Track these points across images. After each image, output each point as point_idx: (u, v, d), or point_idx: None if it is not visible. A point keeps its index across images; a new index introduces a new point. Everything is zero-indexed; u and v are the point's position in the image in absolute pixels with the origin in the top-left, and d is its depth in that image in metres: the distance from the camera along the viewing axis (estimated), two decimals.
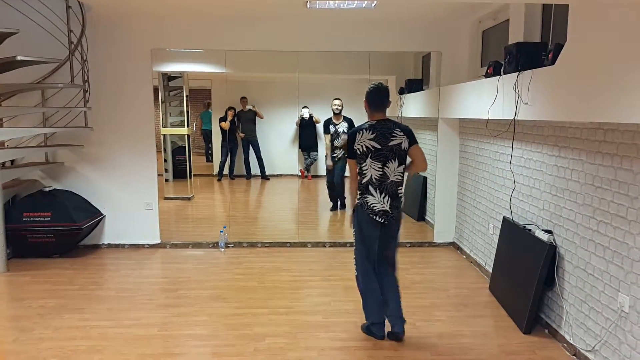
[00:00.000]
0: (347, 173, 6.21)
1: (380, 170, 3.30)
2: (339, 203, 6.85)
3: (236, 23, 5.25)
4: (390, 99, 3.41)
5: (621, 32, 2.41)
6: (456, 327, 3.60)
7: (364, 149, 3.30)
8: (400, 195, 3.36)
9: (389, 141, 3.30)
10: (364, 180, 3.35)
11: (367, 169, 3.32)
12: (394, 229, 3.42)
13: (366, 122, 3.41)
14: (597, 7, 2.63)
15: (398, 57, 6.31)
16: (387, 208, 3.31)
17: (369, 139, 3.30)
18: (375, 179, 3.31)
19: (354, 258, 3.49)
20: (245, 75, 7.42)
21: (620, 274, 2.75)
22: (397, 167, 3.32)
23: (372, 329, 3.44)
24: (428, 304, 4.00)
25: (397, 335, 3.37)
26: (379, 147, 3.29)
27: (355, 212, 3.43)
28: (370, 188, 3.32)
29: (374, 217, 3.32)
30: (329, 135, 6.63)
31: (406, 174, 3.43)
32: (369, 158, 3.30)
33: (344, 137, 6.37)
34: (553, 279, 3.40)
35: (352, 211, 3.49)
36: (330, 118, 6.61)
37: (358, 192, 3.40)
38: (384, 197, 3.31)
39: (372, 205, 3.32)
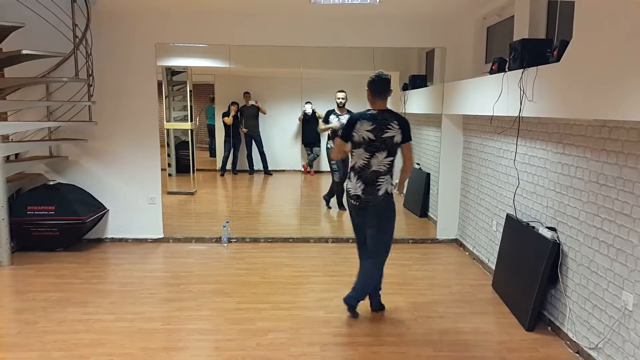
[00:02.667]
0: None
1: (367, 160, 3.49)
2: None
3: (240, 18, 5.24)
4: (391, 88, 3.56)
5: (627, 30, 2.40)
6: (458, 323, 3.60)
7: (360, 138, 3.48)
8: (378, 183, 3.50)
9: (383, 133, 3.45)
10: (350, 165, 3.59)
11: (355, 156, 3.54)
12: (372, 216, 3.57)
13: (368, 111, 3.54)
14: (603, 4, 2.61)
15: (402, 53, 6.29)
16: (360, 193, 3.53)
17: (367, 130, 3.46)
18: (358, 167, 3.54)
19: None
20: (248, 71, 7.40)
21: (625, 272, 2.75)
22: (385, 158, 3.49)
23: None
24: (430, 300, 4.00)
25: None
26: (373, 138, 3.45)
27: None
28: (351, 173, 3.61)
29: (350, 201, 3.65)
30: (339, 124, 6.51)
31: (396, 182, 3.63)
32: (361, 148, 3.49)
33: (336, 123, 6.29)
34: (556, 276, 3.40)
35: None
36: (334, 109, 6.55)
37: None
38: (357, 183, 3.54)
39: (348, 190, 3.64)
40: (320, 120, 6.65)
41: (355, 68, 6.52)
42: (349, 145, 3.56)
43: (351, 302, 3.62)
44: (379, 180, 3.49)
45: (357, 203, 3.58)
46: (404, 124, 3.48)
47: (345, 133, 3.54)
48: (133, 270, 4.68)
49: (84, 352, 3.12)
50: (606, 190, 2.92)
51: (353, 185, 3.57)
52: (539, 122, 3.70)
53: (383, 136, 3.44)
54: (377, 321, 3.62)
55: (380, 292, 3.80)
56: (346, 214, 6.64)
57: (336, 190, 6.64)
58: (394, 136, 3.44)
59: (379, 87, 3.53)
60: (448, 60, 5.37)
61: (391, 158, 3.49)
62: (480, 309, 3.89)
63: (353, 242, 5.56)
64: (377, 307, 3.79)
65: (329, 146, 6.62)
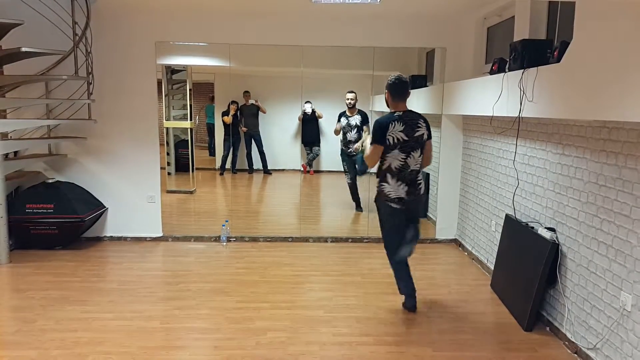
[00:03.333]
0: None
1: (403, 161, 3.53)
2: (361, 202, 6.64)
3: (241, 17, 5.24)
4: (410, 90, 3.65)
5: (627, 30, 2.40)
6: (457, 323, 3.61)
7: (395, 140, 3.51)
8: (419, 181, 3.61)
9: (415, 132, 3.55)
10: (383, 167, 3.57)
11: (389, 158, 3.54)
12: (416, 211, 3.73)
13: (394, 113, 3.60)
14: (604, 5, 2.61)
15: (402, 53, 6.29)
16: (403, 195, 3.55)
17: (400, 131, 3.52)
18: (395, 168, 3.54)
19: (384, 240, 3.77)
20: (248, 70, 7.40)
21: (623, 273, 2.75)
22: (419, 157, 3.58)
23: (404, 303, 3.79)
24: (429, 300, 4.00)
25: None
26: (407, 138, 3.52)
27: (376, 198, 3.71)
28: (388, 176, 3.57)
29: (390, 204, 3.60)
30: (340, 125, 6.48)
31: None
32: (396, 149, 3.52)
33: (365, 136, 6.27)
34: (555, 276, 3.40)
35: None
36: (344, 111, 6.45)
37: (377, 180, 3.66)
38: (399, 185, 3.55)
39: (387, 194, 3.58)
40: (345, 135, 6.49)
41: (355, 68, 6.52)
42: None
43: (414, 303, 3.74)
44: (418, 178, 3.61)
45: (400, 205, 3.58)
46: (427, 122, 3.66)
47: (379, 138, 3.53)
48: (132, 268, 4.67)
49: (83, 350, 3.11)
50: (605, 191, 2.93)
51: (394, 188, 3.56)
52: (538, 122, 3.70)
53: (415, 135, 3.55)
54: (376, 321, 3.62)
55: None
56: (346, 214, 6.70)
57: (350, 191, 6.62)
58: (423, 134, 3.59)
59: (400, 89, 3.61)
60: (448, 60, 5.37)
61: (422, 156, 3.63)
62: (479, 309, 3.89)
63: (352, 242, 5.61)
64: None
65: (352, 151, 6.48)
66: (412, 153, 3.54)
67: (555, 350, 3.25)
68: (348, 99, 6.38)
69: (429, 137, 3.65)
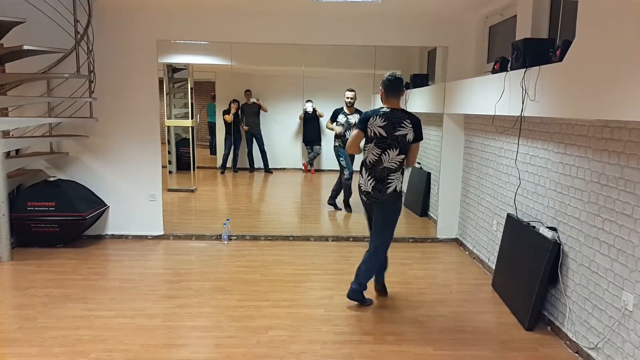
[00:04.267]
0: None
1: (377, 156, 3.56)
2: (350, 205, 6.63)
3: (242, 15, 5.23)
4: (404, 88, 3.68)
5: (630, 29, 2.39)
6: (458, 323, 3.61)
7: (373, 134, 3.56)
8: (389, 181, 3.57)
9: (396, 131, 3.53)
10: (363, 159, 3.66)
11: (366, 151, 3.62)
12: (378, 211, 3.69)
13: (381, 108, 3.63)
14: (607, 4, 2.61)
15: (403, 52, 6.29)
16: (370, 190, 3.61)
17: (379, 126, 3.54)
18: (369, 162, 3.60)
19: None
20: (250, 68, 7.39)
21: (625, 272, 2.75)
22: (397, 156, 3.56)
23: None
24: (430, 299, 4.00)
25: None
26: (385, 135, 3.53)
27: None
28: (362, 169, 3.69)
29: (361, 196, 3.76)
30: (336, 125, 6.42)
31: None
32: (372, 143, 3.56)
33: (339, 128, 6.30)
34: (557, 276, 3.40)
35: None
36: (342, 108, 6.41)
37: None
38: (369, 179, 3.61)
39: (359, 185, 3.73)
40: (327, 120, 6.57)
41: (356, 67, 6.52)
42: (362, 140, 3.64)
43: (356, 296, 3.78)
44: (389, 177, 3.57)
45: (366, 199, 3.69)
46: (416, 123, 3.59)
47: (360, 125, 3.64)
48: (133, 267, 4.68)
49: (85, 348, 3.12)
50: (607, 191, 2.93)
51: (364, 182, 3.65)
52: (540, 121, 3.70)
53: (395, 134, 3.53)
54: (377, 319, 3.63)
55: (386, 272, 3.98)
56: (345, 214, 6.69)
57: (344, 188, 6.58)
58: (406, 134, 3.54)
59: (393, 86, 3.63)
60: (450, 59, 5.37)
61: (403, 156, 3.58)
62: (480, 309, 3.89)
63: (353, 241, 5.61)
64: (381, 287, 3.95)
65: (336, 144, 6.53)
66: (387, 150, 3.53)
67: (556, 349, 3.25)
68: (348, 97, 6.35)
69: (416, 139, 3.57)
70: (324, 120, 7.03)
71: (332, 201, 6.72)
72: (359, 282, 3.78)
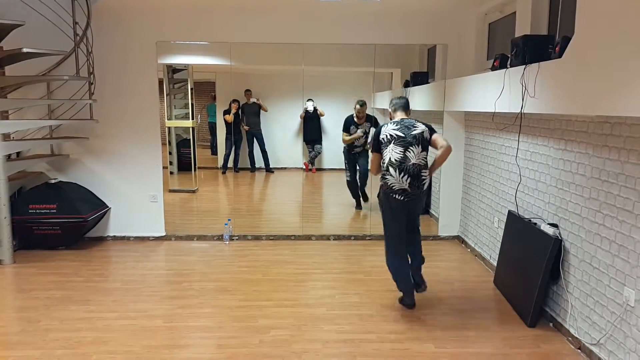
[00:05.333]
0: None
1: (401, 153, 3.55)
2: (361, 200, 6.60)
3: (241, 15, 5.23)
4: (410, 108, 3.81)
5: (629, 25, 2.39)
6: (460, 320, 3.61)
7: (388, 137, 3.60)
8: (422, 177, 3.58)
9: (411, 131, 3.59)
10: (385, 163, 3.61)
11: (387, 153, 3.59)
12: (417, 206, 3.71)
13: (391, 120, 3.73)
14: (605, 0, 2.60)
15: (403, 50, 6.28)
16: (406, 187, 3.54)
17: (393, 129, 3.60)
18: (395, 160, 3.55)
19: (385, 236, 3.75)
20: (250, 68, 7.39)
21: (626, 268, 2.74)
22: (421, 152, 3.57)
23: (404, 299, 3.80)
24: (432, 297, 4.00)
25: (417, 285, 3.83)
26: (402, 135, 3.57)
27: (379, 193, 3.73)
28: (390, 169, 3.57)
29: (394, 196, 3.57)
30: (348, 135, 6.34)
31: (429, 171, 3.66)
32: (391, 144, 3.58)
33: (359, 132, 6.28)
34: (558, 272, 3.40)
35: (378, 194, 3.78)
36: (352, 117, 6.30)
37: (380, 175, 3.70)
38: (402, 177, 3.53)
39: (391, 185, 3.56)
40: (343, 134, 6.43)
41: (356, 65, 6.51)
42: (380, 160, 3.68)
43: (413, 301, 3.79)
44: (422, 173, 3.58)
45: (403, 197, 3.56)
46: (427, 124, 3.68)
47: (375, 145, 3.70)
48: (135, 268, 4.68)
49: (87, 350, 3.12)
50: (608, 187, 2.92)
51: (397, 180, 3.54)
52: (540, 118, 3.69)
53: (412, 133, 3.58)
54: (379, 318, 3.62)
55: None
56: (349, 211, 6.70)
57: (349, 188, 6.59)
58: (423, 132, 3.60)
59: (401, 105, 3.78)
60: (449, 56, 5.36)
61: (425, 153, 3.61)
62: (482, 306, 3.89)
63: (355, 240, 5.61)
64: (420, 279, 3.90)
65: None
66: (410, 148, 3.54)
67: (558, 346, 3.25)
68: (359, 113, 6.21)
69: (432, 132, 3.65)
70: (325, 119, 7.03)
71: (356, 197, 6.64)
72: (412, 287, 3.80)
